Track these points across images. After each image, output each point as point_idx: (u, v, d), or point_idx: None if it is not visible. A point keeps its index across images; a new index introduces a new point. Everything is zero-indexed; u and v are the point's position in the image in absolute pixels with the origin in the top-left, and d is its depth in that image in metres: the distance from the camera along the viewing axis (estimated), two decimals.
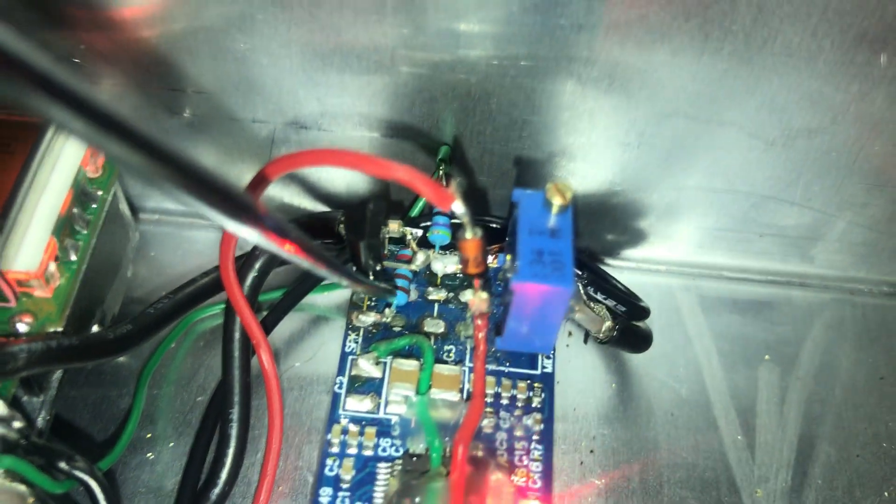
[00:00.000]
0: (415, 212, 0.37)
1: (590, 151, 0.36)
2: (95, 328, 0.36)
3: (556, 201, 0.29)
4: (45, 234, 0.31)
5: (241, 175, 0.39)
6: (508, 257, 0.31)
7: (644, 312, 0.36)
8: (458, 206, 0.28)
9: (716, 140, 0.36)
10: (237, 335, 0.34)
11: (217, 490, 0.33)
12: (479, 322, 0.31)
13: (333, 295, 0.39)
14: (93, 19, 0.33)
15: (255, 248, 0.34)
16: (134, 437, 0.36)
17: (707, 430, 0.37)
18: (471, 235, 0.29)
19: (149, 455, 0.35)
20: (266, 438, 0.33)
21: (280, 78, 0.34)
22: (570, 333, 0.38)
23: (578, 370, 0.38)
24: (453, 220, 0.35)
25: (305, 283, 0.38)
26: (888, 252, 0.40)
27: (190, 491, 0.34)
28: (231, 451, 0.33)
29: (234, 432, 0.33)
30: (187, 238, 0.42)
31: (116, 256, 0.37)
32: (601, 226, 0.41)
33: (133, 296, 0.40)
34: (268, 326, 0.37)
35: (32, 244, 0.31)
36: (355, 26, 0.32)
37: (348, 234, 0.32)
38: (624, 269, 0.42)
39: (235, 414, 0.34)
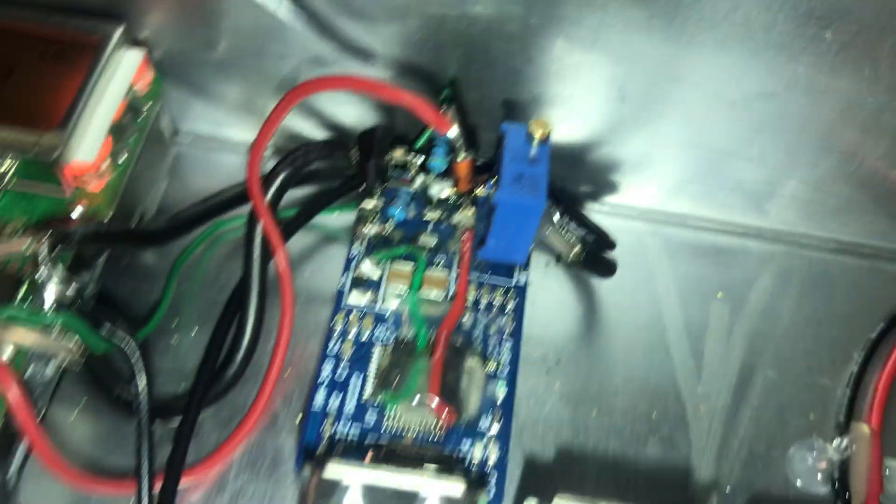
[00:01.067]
0: (419, 143, 0.42)
1: (574, 101, 0.41)
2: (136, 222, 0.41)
3: (537, 133, 0.35)
4: (103, 133, 0.37)
5: (266, 104, 0.44)
6: (494, 180, 0.36)
7: (611, 244, 0.41)
8: (454, 131, 0.33)
9: (684, 99, 0.41)
10: (258, 238, 0.39)
11: (233, 370, 0.38)
12: (465, 235, 0.37)
13: (342, 217, 0.44)
14: None
15: (277, 165, 0.40)
16: (161, 325, 0.41)
17: (660, 352, 0.42)
18: (462, 157, 0.34)
19: (174, 339, 0.41)
20: (277, 331, 0.39)
21: (305, 19, 0.39)
22: (546, 264, 0.44)
23: (551, 292, 0.43)
24: (449, 153, 0.40)
25: (318, 202, 0.44)
26: (833, 211, 0.45)
27: (209, 369, 0.39)
28: (247, 337, 0.39)
29: (250, 321, 0.39)
30: (216, 161, 0.47)
31: (156, 165, 0.43)
32: (579, 171, 0.45)
33: (166, 204, 0.45)
34: (284, 237, 0.43)
35: (91, 141, 0.36)
36: None
37: (360, 155, 0.38)
38: (596, 213, 0.47)
39: (253, 305, 0.39)
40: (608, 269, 0.42)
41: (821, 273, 0.46)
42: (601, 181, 0.46)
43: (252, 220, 0.38)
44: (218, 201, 0.42)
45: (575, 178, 0.46)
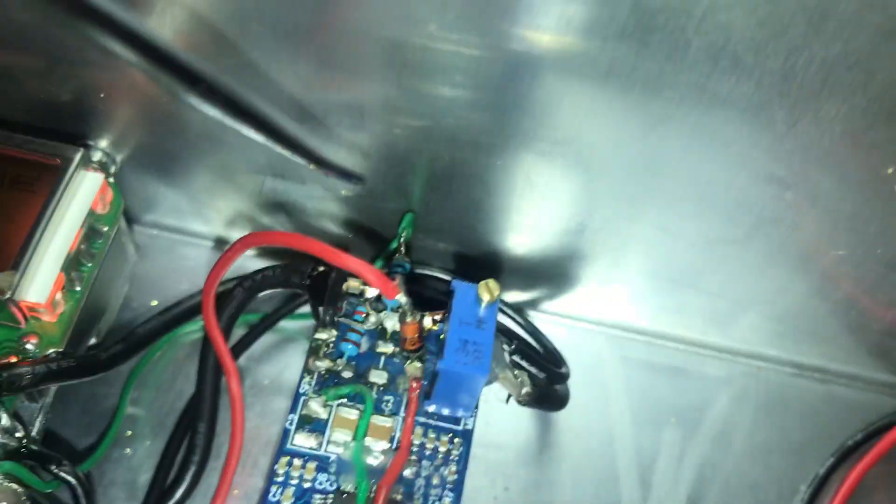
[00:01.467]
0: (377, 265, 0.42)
1: (535, 229, 0.41)
2: (93, 340, 0.42)
3: (485, 297, 0.35)
4: (56, 269, 0.37)
5: (232, 199, 0.44)
6: (446, 328, 0.36)
7: (562, 378, 0.41)
8: (402, 298, 0.34)
9: (645, 236, 0.41)
10: (211, 361, 0.40)
11: (183, 488, 0.39)
12: (413, 384, 0.37)
13: (304, 323, 0.45)
14: None
15: (233, 289, 0.40)
16: (116, 434, 0.42)
17: (609, 481, 0.43)
18: (410, 320, 0.35)
19: (127, 451, 0.41)
20: (227, 448, 0.39)
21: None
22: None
23: (504, 414, 0.43)
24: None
25: (280, 311, 0.44)
26: (795, 334, 0.45)
27: (159, 487, 0.40)
28: (196, 458, 0.39)
29: (200, 442, 0.39)
30: (181, 254, 0.47)
31: (115, 281, 0.43)
32: (540, 282, 0.46)
33: (129, 305, 0.45)
34: (242, 348, 0.43)
35: (44, 278, 0.36)
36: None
37: (311, 298, 0.38)
38: (558, 323, 0.47)
39: (203, 427, 0.40)
40: (559, 404, 0.42)
41: (777, 398, 0.46)
42: (563, 293, 0.46)
43: (207, 342, 0.39)
44: (176, 313, 0.42)
45: (535, 287, 0.46)
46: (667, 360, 0.47)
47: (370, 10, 0.32)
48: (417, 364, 0.37)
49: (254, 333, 0.44)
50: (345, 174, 0.38)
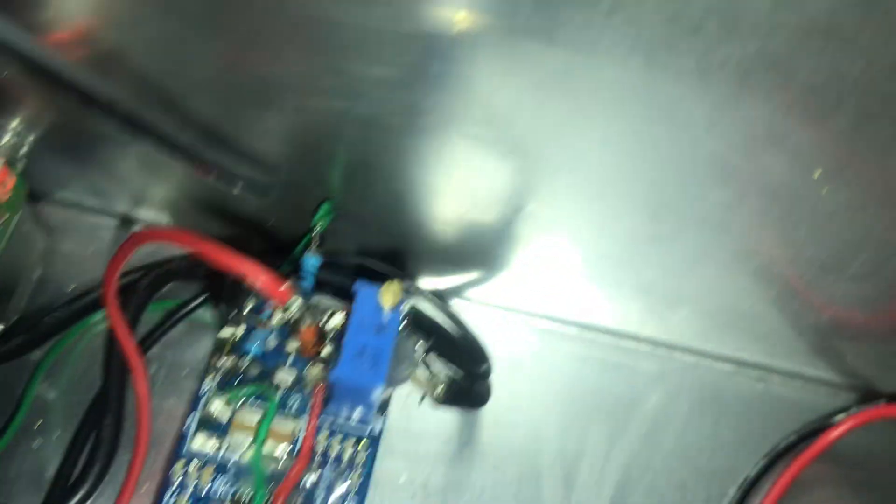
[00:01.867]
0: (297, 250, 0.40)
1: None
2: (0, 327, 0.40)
3: (387, 302, 0.33)
4: None
5: (154, 181, 0.42)
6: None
7: (482, 375, 0.40)
8: (295, 302, 0.32)
9: (570, 225, 0.39)
10: (116, 355, 0.38)
11: (87, 485, 0.38)
12: (316, 392, 0.36)
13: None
14: None
15: (139, 280, 0.38)
16: (24, 423, 0.40)
17: (531, 480, 0.42)
18: (307, 324, 0.33)
19: (35, 443, 0.40)
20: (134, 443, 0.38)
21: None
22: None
23: (424, 409, 0.42)
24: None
25: (199, 297, 0.43)
26: (736, 330, 0.44)
27: (63, 482, 0.39)
28: (102, 453, 0.38)
29: (107, 436, 0.38)
30: (101, 236, 0.46)
31: (21, 268, 0.41)
32: (466, 267, 0.44)
33: (45, 289, 0.44)
34: (158, 336, 0.42)
35: None
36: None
37: (210, 295, 0.37)
38: (485, 314, 0.45)
39: (110, 420, 0.39)
40: (477, 402, 0.41)
41: (711, 396, 0.45)
42: (488, 279, 0.45)
43: (111, 339, 0.37)
44: (86, 302, 0.41)
45: (460, 273, 0.45)
46: (598, 353, 0.45)
47: None
48: (318, 367, 0.35)
49: (171, 321, 0.42)
50: (251, 185, 0.36)
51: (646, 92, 0.32)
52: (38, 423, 0.41)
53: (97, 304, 0.41)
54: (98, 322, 0.43)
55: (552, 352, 0.45)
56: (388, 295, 0.34)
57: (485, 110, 0.34)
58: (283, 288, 0.32)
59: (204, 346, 0.43)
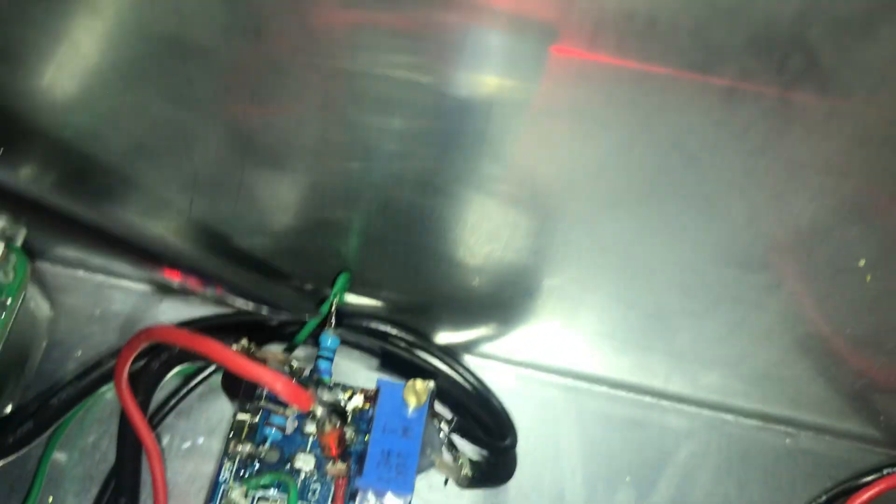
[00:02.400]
0: (300, 338, 0.39)
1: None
2: (9, 407, 0.39)
3: (412, 402, 0.32)
4: None
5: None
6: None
7: (507, 451, 0.39)
8: (318, 409, 0.31)
9: (596, 300, 0.38)
10: (130, 436, 0.37)
11: None
12: (338, 482, 0.34)
13: None
14: None
15: (149, 362, 0.37)
16: (37, 501, 0.39)
17: None
18: (329, 428, 0.32)
19: None
20: None
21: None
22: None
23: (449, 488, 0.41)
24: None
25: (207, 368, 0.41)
26: (765, 390, 0.43)
27: None
28: None
29: None
30: (107, 297, 0.44)
31: (28, 346, 0.40)
32: (488, 324, 0.43)
33: (50, 356, 0.42)
34: (174, 404, 0.41)
35: None
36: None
37: (224, 387, 0.35)
38: (507, 371, 0.44)
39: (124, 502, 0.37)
40: (502, 480, 0.40)
41: (739, 454, 0.43)
42: (511, 336, 0.43)
43: (124, 418, 0.36)
44: (94, 377, 0.39)
45: (482, 329, 0.43)
46: (624, 411, 0.44)
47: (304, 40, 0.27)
48: (341, 465, 0.34)
49: (186, 389, 0.41)
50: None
51: (685, 185, 0.30)
52: (50, 500, 0.40)
53: (106, 378, 0.39)
54: (107, 390, 0.41)
55: (577, 411, 0.44)
56: (413, 395, 0.32)
57: (519, 182, 0.32)
58: (306, 394, 0.31)
59: (218, 409, 0.42)
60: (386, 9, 0.25)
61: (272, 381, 0.30)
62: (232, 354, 0.30)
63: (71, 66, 0.31)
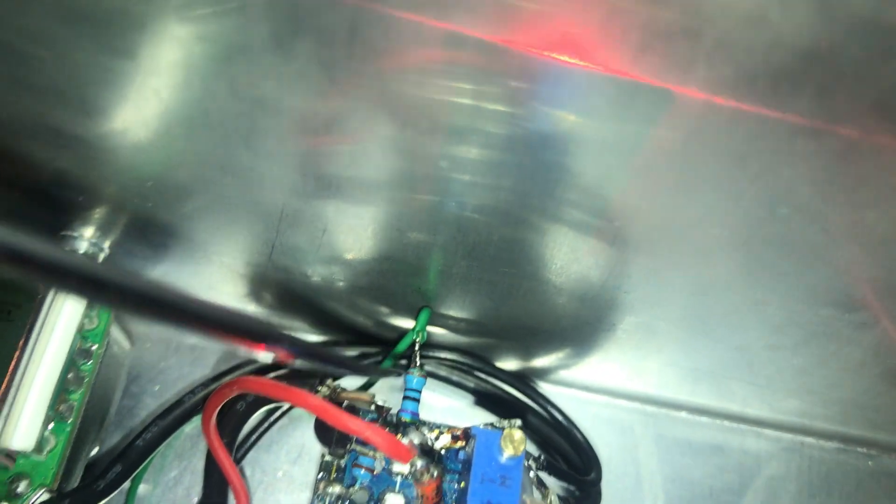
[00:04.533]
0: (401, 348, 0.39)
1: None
2: (95, 450, 0.39)
3: (508, 450, 0.32)
4: (41, 410, 0.34)
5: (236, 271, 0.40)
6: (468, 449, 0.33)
7: (592, 485, 0.39)
8: (418, 461, 0.31)
9: (680, 335, 0.37)
10: (216, 476, 0.37)
11: None
12: None
13: None
14: None
15: (238, 398, 0.37)
16: None
17: None
18: (427, 479, 0.32)
19: None
20: None
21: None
22: None
23: None
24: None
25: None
26: (846, 415, 0.42)
27: None
28: None
29: None
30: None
31: (110, 390, 0.40)
32: (568, 352, 0.42)
33: (129, 391, 0.42)
34: (256, 439, 0.41)
35: (28, 422, 0.34)
36: None
37: (318, 436, 0.35)
38: (587, 400, 0.44)
39: None
40: None
41: (820, 477, 0.43)
42: (590, 365, 0.43)
43: (210, 459, 0.36)
44: (177, 415, 0.39)
45: (562, 358, 0.43)
46: (704, 436, 0.44)
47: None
48: None
49: (269, 422, 0.41)
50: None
51: (790, 234, 0.29)
52: None
53: (189, 415, 0.39)
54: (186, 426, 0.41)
55: (657, 437, 0.43)
56: (510, 444, 0.32)
57: (617, 224, 0.31)
58: (405, 447, 0.31)
59: (297, 441, 0.42)
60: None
61: (373, 435, 0.30)
62: (329, 407, 0.30)
63: (152, 117, 0.31)
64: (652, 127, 0.26)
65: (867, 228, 0.28)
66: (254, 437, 0.41)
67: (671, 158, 0.27)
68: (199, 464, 0.41)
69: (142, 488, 0.41)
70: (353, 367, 0.34)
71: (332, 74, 0.26)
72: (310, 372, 0.39)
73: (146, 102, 0.30)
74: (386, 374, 0.40)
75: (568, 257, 0.33)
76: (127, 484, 0.39)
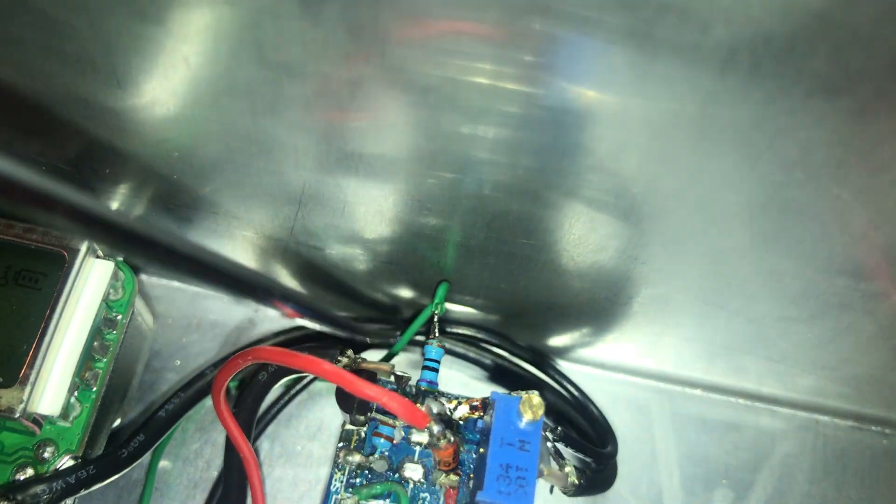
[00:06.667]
0: (398, 347, 0.40)
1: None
2: (118, 421, 0.40)
3: (527, 415, 0.32)
4: (68, 376, 0.34)
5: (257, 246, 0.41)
6: (486, 418, 0.34)
7: (609, 457, 0.39)
8: (434, 427, 0.31)
9: (697, 308, 0.37)
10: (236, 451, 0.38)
11: None
12: (448, 491, 0.35)
13: None
14: None
15: (259, 368, 0.38)
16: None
17: None
18: (445, 444, 0.32)
19: None
20: None
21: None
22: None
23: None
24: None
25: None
26: (861, 392, 0.42)
27: None
28: None
29: None
30: (204, 307, 0.45)
31: (134, 362, 0.41)
32: (585, 330, 0.43)
33: (151, 366, 0.43)
34: (275, 413, 0.41)
35: (55, 388, 0.34)
36: None
37: (339, 404, 0.36)
38: (604, 377, 0.44)
39: None
40: (604, 486, 0.40)
41: (835, 455, 0.43)
42: (607, 342, 0.43)
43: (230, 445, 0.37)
44: (199, 387, 0.40)
45: (579, 336, 0.43)
46: (719, 414, 0.44)
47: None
48: (454, 476, 0.34)
49: (289, 395, 0.42)
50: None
51: (805, 199, 0.30)
52: None
53: (208, 389, 0.40)
54: (207, 399, 0.42)
55: (673, 415, 0.44)
56: (529, 409, 0.33)
57: (633, 194, 0.32)
58: (421, 412, 0.31)
59: (317, 416, 0.42)
60: None
61: (390, 401, 0.30)
62: (347, 375, 0.30)
63: (180, 86, 0.31)
64: (669, 93, 0.27)
65: (882, 192, 0.29)
66: (274, 410, 0.42)
67: (689, 124, 0.28)
68: (220, 437, 0.42)
69: (163, 463, 0.41)
70: (360, 330, 0.35)
71: (358, 39, 0.27)
72: (330, 344, 0.39)
73: (175, 70, 0.30)
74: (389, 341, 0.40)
75: (586, 227, 0.34)
76: (148, 457, 0.40)
